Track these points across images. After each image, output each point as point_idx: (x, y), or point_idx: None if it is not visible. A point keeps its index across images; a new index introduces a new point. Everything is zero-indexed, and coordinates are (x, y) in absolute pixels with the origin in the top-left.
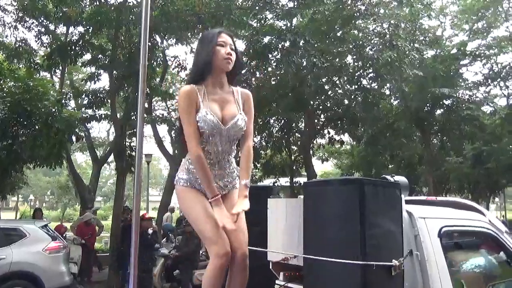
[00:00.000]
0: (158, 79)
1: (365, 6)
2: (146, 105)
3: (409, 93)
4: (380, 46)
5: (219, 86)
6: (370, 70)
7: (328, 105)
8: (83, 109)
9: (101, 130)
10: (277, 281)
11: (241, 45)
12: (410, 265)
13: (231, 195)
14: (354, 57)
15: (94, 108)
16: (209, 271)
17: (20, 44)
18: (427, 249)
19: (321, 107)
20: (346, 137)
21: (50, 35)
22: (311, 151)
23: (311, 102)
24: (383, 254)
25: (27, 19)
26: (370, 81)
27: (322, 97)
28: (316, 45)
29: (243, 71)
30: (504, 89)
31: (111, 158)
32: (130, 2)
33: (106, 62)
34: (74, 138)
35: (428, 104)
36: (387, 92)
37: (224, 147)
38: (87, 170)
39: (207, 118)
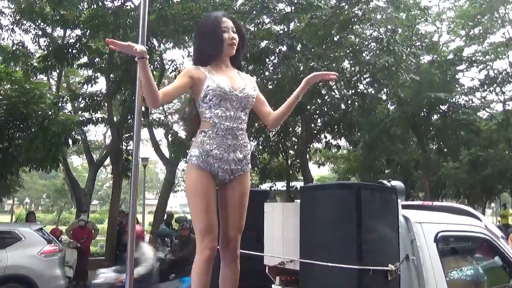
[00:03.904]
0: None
1: (362, 11)
2: (143, 109)
3: (405, 98)
4: (377, 51)
5: (224, 67)
6: (367, 75)
7: (325, 109)
8: (79, 112)
9: (98, 133)
10: (273, 286)
11: None
12: (406, 270)
13: (242, 181)
14: (351, 61)
15: (91, 111)
16: (197, 263)
17: (17, 47)
18: (423, 254)
19: (317, 111)
20: (342, 142)
21: (47, 38)
22: (307, 156)
23: (308, 107)
24: (379, 259)
25: (24, 21)
26: (367, 86)
27: (319, 102)
28: (313, 50)
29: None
30: (500, 94)
31: (108, 161)
32: (127, 6)
33: (103, 65)
34: (70, 141)
35: (424, 109)
36: (384, 97)
37: (236, 113)
38: (83, 174)
39: (217, 82)
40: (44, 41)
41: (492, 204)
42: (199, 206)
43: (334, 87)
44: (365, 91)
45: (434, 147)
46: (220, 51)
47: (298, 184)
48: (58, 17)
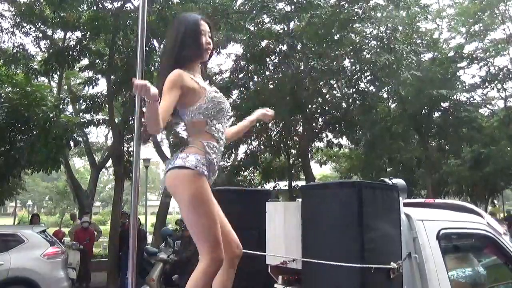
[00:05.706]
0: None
1: (362, 10)
2: (144, 110)
3: (406, 96)
4: (378, 49)
5: (196, 72)
6: (368, 73)
7: (326, 108)
8: (81, 114)
9: (99, 135)
10: (275, 285)
11: (238, 49)
12: (409, 268)
13: None
14: (352, 60)
15: (92, 113)
16: (201, 274)
17: (18, 49)
18: (425, 252)
19: (319, 110)
20: (344, 141)
21: (48, 40)
22: (309, 155)
23: (309, 106)
24: (381, 257)
25: (25, 24)
26: (368, 84)
27: (320, 101)
28: (313, 49)
29: (241, 75)
30: (502, 91)
31: (109, 163)
32: (127, 7)
33: (104, 67)
34: (72, 143)
35: (426, 107)
36: (385, 95)
37: (226, 123)
38: (85, 175)
39: (217, 94)
40: (45, 44)
41: (495, 201)
42: (212, 216)
43: (335, 85)
44: (366, 89)
45: (435, 145)
46: (199, 56)
47: (300, 183)
48: (58, 19)
